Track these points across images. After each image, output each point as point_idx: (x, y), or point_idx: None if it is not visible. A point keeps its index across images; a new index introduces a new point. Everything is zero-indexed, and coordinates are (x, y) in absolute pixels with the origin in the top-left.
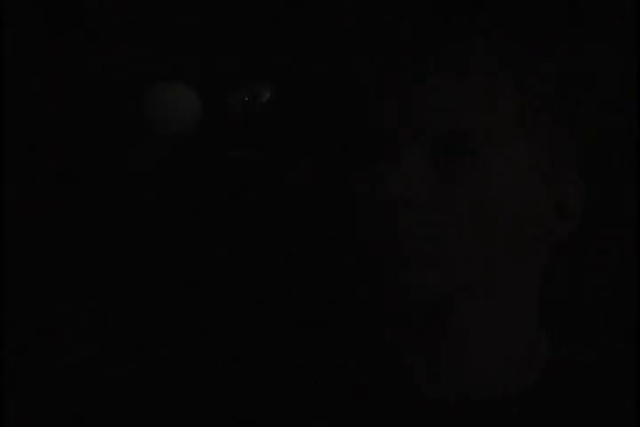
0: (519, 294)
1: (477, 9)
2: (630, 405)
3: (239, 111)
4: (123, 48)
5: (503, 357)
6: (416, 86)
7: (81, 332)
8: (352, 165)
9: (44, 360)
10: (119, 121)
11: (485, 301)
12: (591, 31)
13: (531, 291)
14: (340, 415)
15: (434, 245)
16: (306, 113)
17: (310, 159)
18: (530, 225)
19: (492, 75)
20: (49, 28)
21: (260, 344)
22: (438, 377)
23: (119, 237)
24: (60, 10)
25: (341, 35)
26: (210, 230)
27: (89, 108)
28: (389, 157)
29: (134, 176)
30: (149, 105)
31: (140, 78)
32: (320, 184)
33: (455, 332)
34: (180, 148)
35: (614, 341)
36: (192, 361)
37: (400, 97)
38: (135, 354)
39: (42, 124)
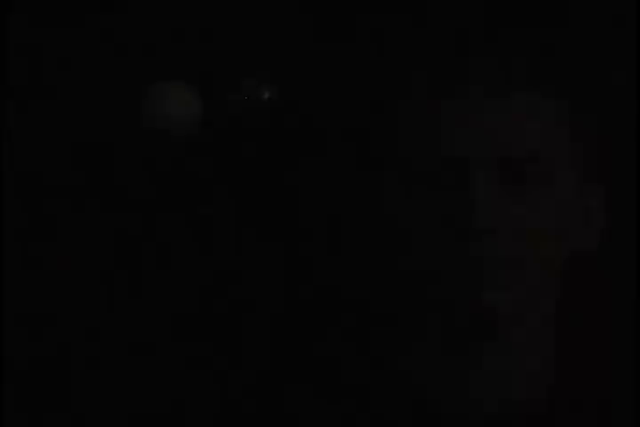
0: (547, 307)
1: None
2: (633, 411)
3: (239, 111)
4: (123, 48)
5: (523, 369)
6: (472, 114)
7: (81, 332)
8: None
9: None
10: (119, 121)
11: (526, 319)
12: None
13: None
14: None
15: (511, 269)
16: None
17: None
18: (571, 240)
19: (535, 96)
20: (49, 27)
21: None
22: (455, 392)
23: (119, 237)
24: (61, 9)
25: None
26: (210, 230)
27: (89, 107)
28: (456, 183)
29: (134, 175)
30: (149, 105)
31: (140, 78)
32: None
33: (491, 351)
34: (180, 148)
35: (618, 346)
36: (191, 360)
37: (459, 125)
38: (133, 353)
39: (41, 124)
